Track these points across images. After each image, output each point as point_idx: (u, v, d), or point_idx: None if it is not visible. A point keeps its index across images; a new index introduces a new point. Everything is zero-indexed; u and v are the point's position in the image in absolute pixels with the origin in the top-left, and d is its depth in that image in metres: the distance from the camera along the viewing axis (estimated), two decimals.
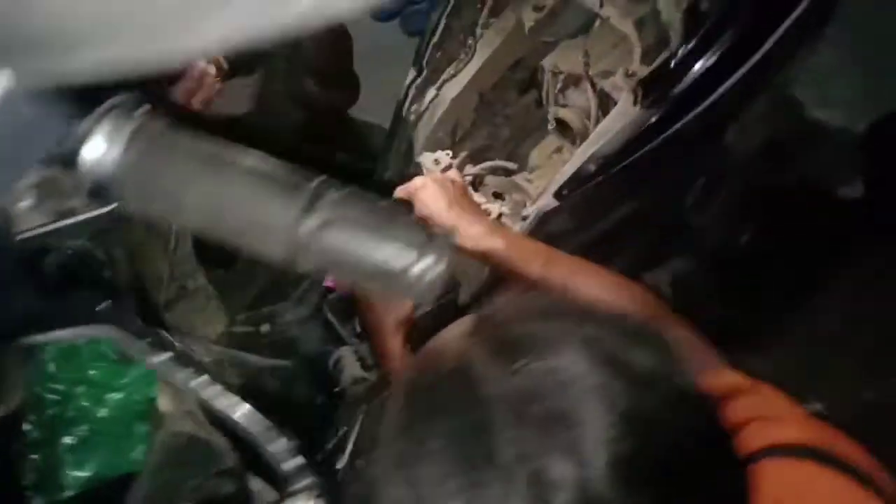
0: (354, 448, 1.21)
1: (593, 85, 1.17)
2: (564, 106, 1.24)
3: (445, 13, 1.16)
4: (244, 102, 1.62)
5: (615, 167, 1.00)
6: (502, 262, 0.90)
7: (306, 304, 1.41)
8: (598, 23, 1.13)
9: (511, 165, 1.28)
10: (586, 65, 1.15)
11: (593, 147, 1.01)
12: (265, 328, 1.42)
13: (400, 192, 1.03)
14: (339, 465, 1.22)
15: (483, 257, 0.93)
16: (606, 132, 1.02)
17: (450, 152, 1.18)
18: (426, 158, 1.20)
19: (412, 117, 1.22)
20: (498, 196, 1.25)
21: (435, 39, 1.17)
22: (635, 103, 0.96)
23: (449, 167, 1.19)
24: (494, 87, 1.32)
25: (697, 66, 0.98)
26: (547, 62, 1.23)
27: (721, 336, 0.66)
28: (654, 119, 1.00)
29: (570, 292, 0.88)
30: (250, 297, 1.63)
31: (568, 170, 1.03)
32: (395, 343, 0.97)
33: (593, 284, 0.86)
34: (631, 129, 1.00)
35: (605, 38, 1.13)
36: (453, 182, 1.02)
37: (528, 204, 1.22)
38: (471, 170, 1.26)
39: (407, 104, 1.19)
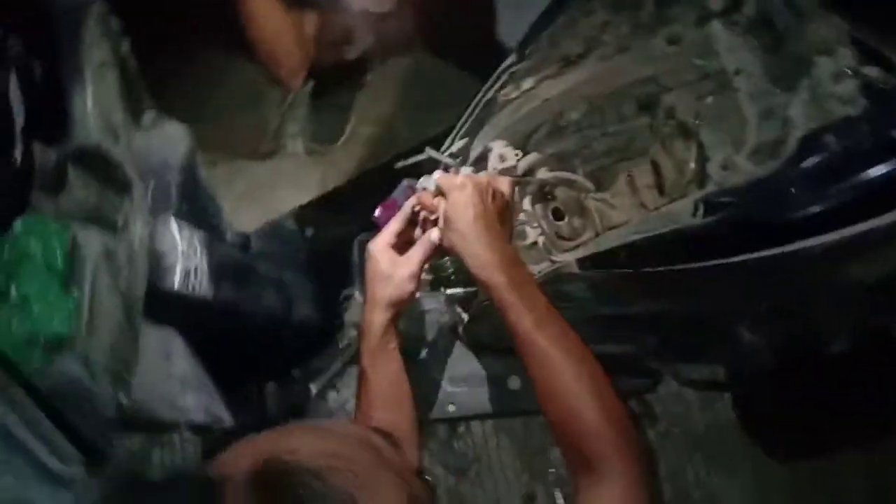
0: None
1: (700, 146, 1.00)
2: (666, 148, 1.07)
3: (576, 3, 1.00)
4: None
5: (653, 266, 0.87)
6: (498, 300, 0.87)
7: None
8: (729, 87, 0.93)
9: (588, 185, 1.16)
10: (696, 124, 0.98)
11: (638, 233, 0.88)
12: (310, 231, 1.47)
13: (441, 180, 0.98)
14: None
15: (483, 286, 0.90)
16: (661, 223, 0.88)
17: (519, 153, 1.08)
18: (498, 146, 1.11)
19: (500, 100, 1.11)
20: (558, 215, 1.15)
21: (551, 30, 1.02)
22: (695, 213, 0.81)
23: (512, 169, 1.10)
24: (610, 96, 1.16)
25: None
26: (670, 97, 1.05)
27: None
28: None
29: (544, 365, 0.84)
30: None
31: (602, 242, 0.92)
32: (378, 318, 0.98)
33: (572, 373, 0.81)
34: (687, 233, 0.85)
35: (727, 106, 0.94)
36: (494, 193, 0.95)
37: (575, 239, 1.12)
38: (545, 174, 1.16)
39: (496, 86, 1.08)
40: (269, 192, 1.93)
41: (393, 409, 0.98)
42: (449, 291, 1.25)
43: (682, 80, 1.07)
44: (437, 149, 1.21)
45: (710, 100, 0.95)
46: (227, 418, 1.10)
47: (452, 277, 1.27)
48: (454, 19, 1.56)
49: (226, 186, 1.94)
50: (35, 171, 0.75)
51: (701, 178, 0.99)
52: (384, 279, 1.00)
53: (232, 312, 1.12)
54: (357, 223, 1.46)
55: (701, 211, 0.80)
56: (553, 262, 1.00)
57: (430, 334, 1.28)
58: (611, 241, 0.91)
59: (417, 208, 1.05)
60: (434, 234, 0.99)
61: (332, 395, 1.30)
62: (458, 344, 1.27)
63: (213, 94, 2.03)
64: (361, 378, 0.99)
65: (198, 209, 1.27)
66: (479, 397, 1.24)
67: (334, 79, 1.91)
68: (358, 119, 1.99)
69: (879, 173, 0.73)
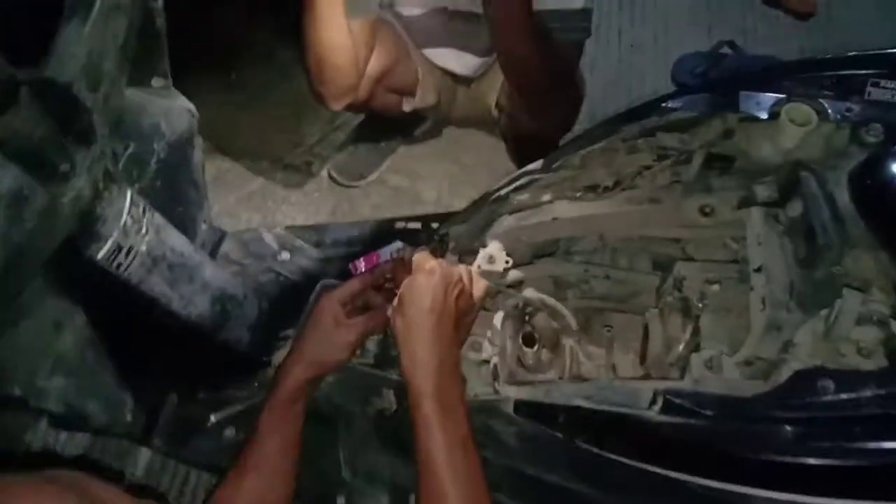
0: None
1: (696, 331, 0.89)
2: (663, 318, 0.97)
3: (622, 134, 0.92)
4: None
5: (586, 442, 0.75)
6: (415, 407, 0.76)
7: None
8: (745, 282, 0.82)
9: (572, 322, 1.05)
10: (700, 307, 0.87)
11: (588, 399, 0.77)
12: (285, 255, 1.39)
13: (417, 256, 0.89)
14: None
15: (407, 386, 0.79)
16: (616, 399, 0.76)
17: (510, 261, 0.99)
18: (492, 246, 1.01)
19: (513, 202, 1.02)
20: (529, 342, 1.04)
21: (587, 151, 0.94)
22: (652, 405, 0.69)
23: (496, 274, 1.00)
24: (627, 241, 1.07)
25: None
26: (685, 267, 0.95)
27: None
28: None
29: (436, 498, 0.73)
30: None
31: (555, 392, 0.80)
32: (296, 373, 0.90)
33: None
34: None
35: (736, 301, 0.83)
36: (462, 292, 0.85)
37: (536, 374, 1.00)
38: (531, 294, 1.05)
39: (512, 186, 1.00)
40: (275, 204, 1.87)
41: (269, 481, 0.86)
42: (394, 375, 1.13)
43: (702, 255, 0.97)
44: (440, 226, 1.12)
45: (720, 287, 0.84)
46: (98, 415, 0.99)
47: None
48: (532, 112, 1.51)
49: (231, 182, 1.90)
50: None
51: (684, 365, 0.87)
52: (320, 335, 0.90)
53: (152, 306, 1.02)
54: (336, 267, 1.38)
55: (659, 405, 0.68)
56: (496, 391, 0.88)
57: (353, 410, 1.16)
58: (563, 393, 0.79)
59: (388, 275, 0.96)
60: (390, 310, 0.90)
61: (228, 431, 1.17)
62: (374, 431, 1.14)
63: (255, 89, 2.01)
64: (253, 432, 0.88)
65: (173, 191, 1.19)
66: (374, 499, 1.11)
67: (384, 122, 1.87)
68: (391, 167, 1.93)
69: (878, 449, 0.61)
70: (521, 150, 1.75)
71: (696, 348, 0.86)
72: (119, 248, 0.93)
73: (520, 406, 0.80)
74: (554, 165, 0.96)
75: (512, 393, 0.85)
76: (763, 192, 0.84)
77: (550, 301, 1.06)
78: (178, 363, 1.18)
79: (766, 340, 0.75)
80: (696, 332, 0.88)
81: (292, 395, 0.88)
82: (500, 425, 0.81)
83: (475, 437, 0.76)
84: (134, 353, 1.11)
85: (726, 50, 2.11)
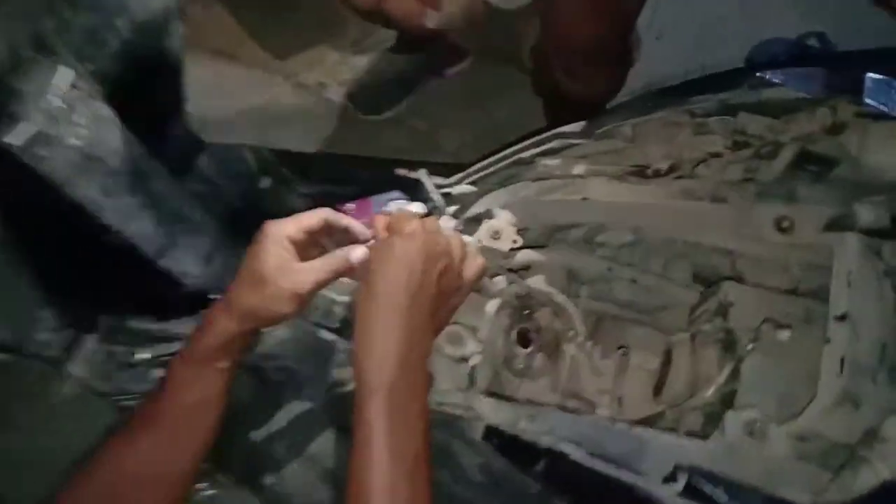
0: None
1: (735, 375, 0.69)
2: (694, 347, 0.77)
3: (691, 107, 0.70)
4: None
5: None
6: (360, 401, 0.59)
7: None
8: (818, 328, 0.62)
9: (580, 326, 0.85)
10: (749, 349, 0.67)
11: (578, 444, 0.57)
12: (266, 183, 1.19)
13: (400, 215, 0.70)
14: None
15: (356, 375, 0.61)
16: (618, 452, 0.57)
17: (519, 240, 0.79)
18: (502, 217, 0.81)
19: (538, 167, 0.82)
20: (524, 341, 0.85)
21: (643, 121, 0.72)
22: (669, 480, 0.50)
23: (500, 254, 0.80)
24: (668, 243, 0.86)
25: None
26: (736, 291, 0.74)
27: None
28: None
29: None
30: None
31: (541, 420, 0.61)
32: (225, 325, 0.71)
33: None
34: None
35: (801, 352, 0.63)
36: (447, 269, 0.66)
37: (525, 380, 0.81)
38: (539, 284, 0.86)
39: (541, 148, 0.79)
40: (276, 124, 1.67)
41: (170, 443, 0.69)
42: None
43: (763, 281, 0.76)
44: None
45: (784, 332, 0.64)
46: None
47: None
48: (570, 72, 1.26)
49: (232, 90, 1.69)
50: None
51: (712, 419, 0.67)
52: (257, 278, 0.70)
53: (79, 214, 0.84)
54: (322, 203, 1.18)
55: (680, 485, 0.48)
56: (467, 404, 0.69)
57: (305, 379, 0.98)
58: (550, 428, 0.60)
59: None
60: (356, 252, 0.70)
61: (155, 372, 1.00)
62: (326, 409, 0.96)
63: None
64: (159, 383, 0.70)
65: (137, 84, 0.99)
66: (308, 488, 0.93)
67: (415, 52, 1.65)
68: (413, 106, 1.71)
69: None
70: (556, 112, 1.52)
71: (731, 399, 0.67)
72: (40, 137, 0.74)
73: (492, 433, 0.61)
74: (598, 132, 0.74)
75: (486, 410, 0.65)
76: (867, 214, 0.63)
77: (560, 297, 0.86)
78: (109, 285, 1.00)
79: (836, 416, 0.55)
80: (734, 376, 0.68)
81: (215, 349, 0.70)
82: (463, 451, 0.63)
83: (430, 458, 0.58)
84: (57, 265, 0.93)
85: (814, 42, 1.84)
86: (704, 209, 0.72)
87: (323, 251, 0.76)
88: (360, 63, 1.74)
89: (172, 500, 0.70)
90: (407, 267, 0.63)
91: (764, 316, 0.67)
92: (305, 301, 0.71)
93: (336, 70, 1.75)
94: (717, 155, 0.73)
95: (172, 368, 0.69)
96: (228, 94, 1.67)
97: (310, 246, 0.72)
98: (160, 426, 0.68)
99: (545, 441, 0.56)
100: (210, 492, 1.18)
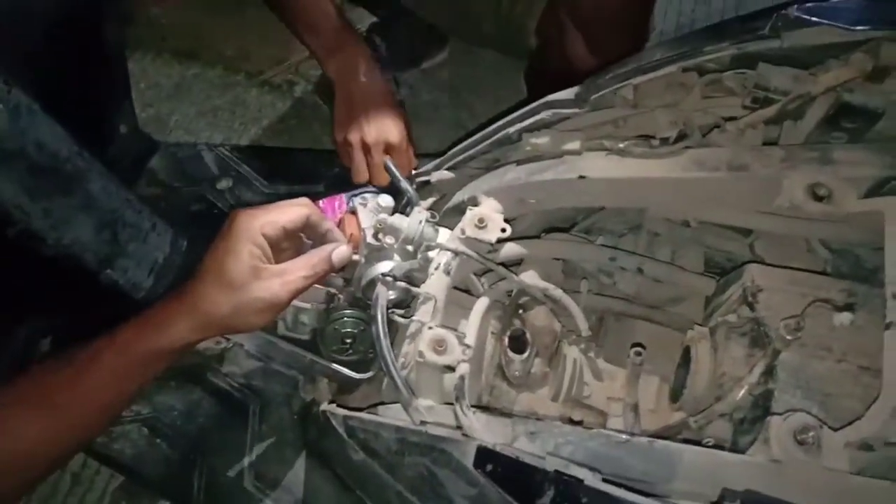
0: None
1: (770, 373, 0.58)
2: (716, 344, 0.66)
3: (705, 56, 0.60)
4: None
5: None
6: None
7: None
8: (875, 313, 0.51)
9: (583, 323, 0.75)
10: (788, 339, 0.56)
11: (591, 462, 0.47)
12: (225, 183, 1.08)
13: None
14: None
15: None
16: (639, 467, 0.46)
17: (508, 230, 0.68)
18: (487, 205, 0.71)
19: (524, 146, 0.71)
20: (518, 346, 0.74)
21: (645, 79, 0.62)
22: None
23: (490, 245, 0.69)
24: (674, 226, 0.76)
25: None
26: (762, 276, 0.64)
27: None
28: None
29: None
30: None
31: (546, 434, 0.50)
32: (182, 332, 0.62)
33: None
34: None
35: (858, 343, 0.52)
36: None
37: (522, 390, 0.71)
38: (532, 279, 0.75)
39: (527, 122, 0.69)
40: (243, 125, 1.55)
41: (57, 431, 0.60)
42: (335, 365, 0.82)
43: (774, 258, 0.66)
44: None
45: (843, 316, 0.53)
46: None
47: (349, 348, 0.82)
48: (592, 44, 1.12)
49: (196, 92, 1.58)
50: None
51: (745, 427, 0.57)
52: (228, 285, 0.61)
53: (4, 220, 0.73)
54: None
55: None
56: (457, 421, 0.58)
57: (272, 398, 0.87)
58: (556, 445, 0.49)
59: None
60: (340, 252, 0.64)
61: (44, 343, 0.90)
62: (295, 430, 0.85)
63: None
64: (67, 361, 0.60)
65: (71, 74, 0.88)
66: None
67: (389, 47, 1.55)
68: None
69: None
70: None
71: (766, 402, 0.56)
72: None
73: (486, 457, 0.50)
74: (592, 97, 0.64)
75: (477, 429, 0.54)
76: None
77: (556, 293, 0.75)
78: (48, 301, 0.89)
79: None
80: (768, 374, 0.58)
81: (163, 353, 0.60)
82: (450, 480, 0.51)
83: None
84: None
85: None
86: (721, 181, 0.62)
87: (293, 245, 0.67)
88: None
89: (30, 484, 0.60)
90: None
91: (805, 300, 0.57)
92: (280, 310, 0.62)
93: (303, 67, 1.65)
94: (732, 118, 0.63)
95: (98, 351, 0.59)
96: (190, 95, 1.56)
97: (283, 241, 0.63)
98: (60, 406, 0.59)
99: (551, 464, 0.45)
100: None
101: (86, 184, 0.81)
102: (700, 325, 0.70)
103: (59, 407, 0.58)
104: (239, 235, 0.60)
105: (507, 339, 0.74)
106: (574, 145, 0.69)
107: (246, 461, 0.83)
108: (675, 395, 0.69)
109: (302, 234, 0.67)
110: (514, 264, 0.78)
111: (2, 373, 0.91)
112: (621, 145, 0.65)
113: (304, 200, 0.67)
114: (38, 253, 0.79)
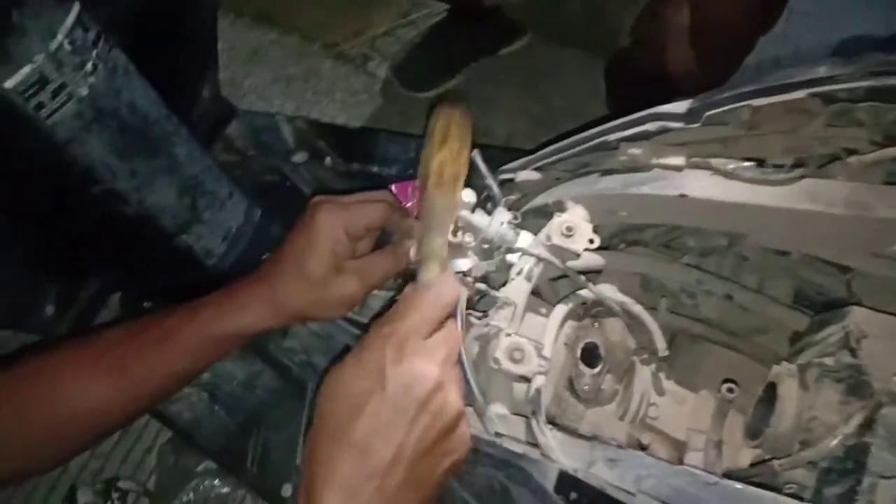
0: None
1: (868, 425, 0.55)
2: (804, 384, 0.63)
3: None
4: None
5: None
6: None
7: None
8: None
9: (661, 341, 0.72)
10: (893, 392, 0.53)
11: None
12: (301, 157, 1.08)
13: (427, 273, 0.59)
14: None
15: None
16: None
17: (596, 240, 0.66)
18: (575, 212, 0.69)
19: (620, 154, 0.69)
20: (590, 359, 0.72)
21: (765, 104, 0.59)
22: None
23: (568, 254, 0.68)
24: (767, 254, 0.72)
25: None
26: (866, 321, 0.61)
27: None
28: None
29: None
30: None
31: (627, 463, 0.48)
32: (256, 317, 0.61)
33: None
34: None
35: None
36: (454, 429, 0.52)
37: (593, 405, 0.69)
38: (612, 293, 0.73)
39: (626, 133, 0.66)
40: (315, 96, 1.55)
41: (120, 400, 0.60)
42: None
43: (872, 301, 0.62)
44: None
45: None
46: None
47: None
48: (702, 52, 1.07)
49: (272, 58, 1.58)
50: None
51: (831, 478, 0.54)
52: (308, 280, 0.61)
53: (87, 178, 0.73)
54: (360, 187, 1.07)
55: None
56: (532, 437, 0.56)
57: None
58: (632, 471, 0.47)
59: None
60: (405, 249, 0.67)
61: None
62: None
63: None
64: (140, 328, 0.61)
65: (161, 37, 0.87)
66: None
67: (466, 27, 1.52)
68: (462, 85, 1.58)
69: None
70: (628, 98, 1.37)
71: (860, 456, 0.53)
72: (42, 81, 0.63)
73: (568, 483, 0.48)
74: (708, 114, 0.61)
75: (555, 449, 0.53)
76: None
77: (636, 308, 0.73)
78: (120, 260, 0.90)
79: None
80: (866, 426, 0.55)
81: (239, 334, 0.61)
82: (525, 500, 0.50)
83: None
84: (60, 238, 0.82)
85: None
86: (836, 218, 0.58)
87: (372, 235, 0.67)
88: (408, 36, 1.62)
89: (88, 442, 0.61)
90: (432, 314, 0.53)
91: None
92: (356, 304, 0.62)
93: (380, 42, 1.63)
94: (854, 152, 0.59)
95: (175, 327, 0.59)
96: (266, 61, 1.56)
97: (363, 236, 0.64)
98: (133, 374, 0.59)
99: (638, 501, 0.44)
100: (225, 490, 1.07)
101: (172, 148, 0.81)
102: (787, 360, 0.67)
103: (131, 375, 0.59)
104: (321, 231, 0.60)
105: (579, 352, 0.72)
106: (677, 160, 0.66)
107: (301, 440, 0.83)
108: (753, 432, 0.66)
109: None
110: (593, 272, 0.76)
111: (70, 323, 0.92)
112: (730, 167, 0.62)
113: (385, 195, 0.67)
114: (119, 213, 0.79)
